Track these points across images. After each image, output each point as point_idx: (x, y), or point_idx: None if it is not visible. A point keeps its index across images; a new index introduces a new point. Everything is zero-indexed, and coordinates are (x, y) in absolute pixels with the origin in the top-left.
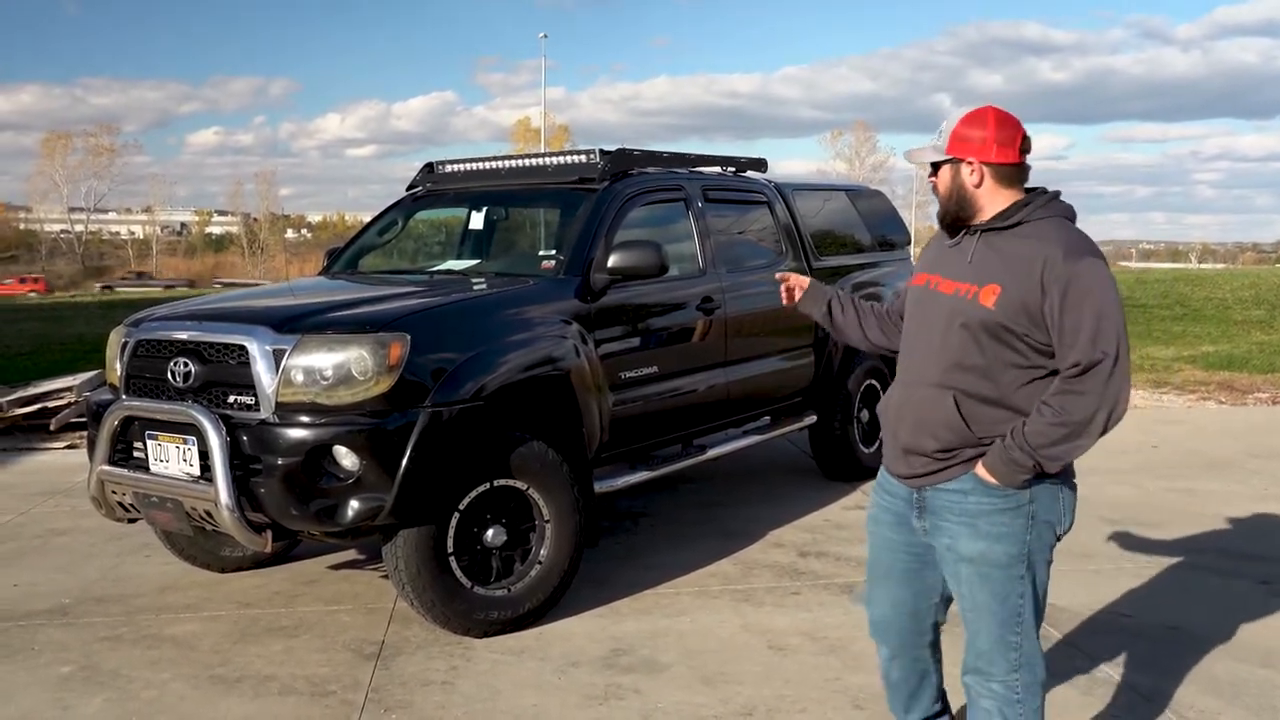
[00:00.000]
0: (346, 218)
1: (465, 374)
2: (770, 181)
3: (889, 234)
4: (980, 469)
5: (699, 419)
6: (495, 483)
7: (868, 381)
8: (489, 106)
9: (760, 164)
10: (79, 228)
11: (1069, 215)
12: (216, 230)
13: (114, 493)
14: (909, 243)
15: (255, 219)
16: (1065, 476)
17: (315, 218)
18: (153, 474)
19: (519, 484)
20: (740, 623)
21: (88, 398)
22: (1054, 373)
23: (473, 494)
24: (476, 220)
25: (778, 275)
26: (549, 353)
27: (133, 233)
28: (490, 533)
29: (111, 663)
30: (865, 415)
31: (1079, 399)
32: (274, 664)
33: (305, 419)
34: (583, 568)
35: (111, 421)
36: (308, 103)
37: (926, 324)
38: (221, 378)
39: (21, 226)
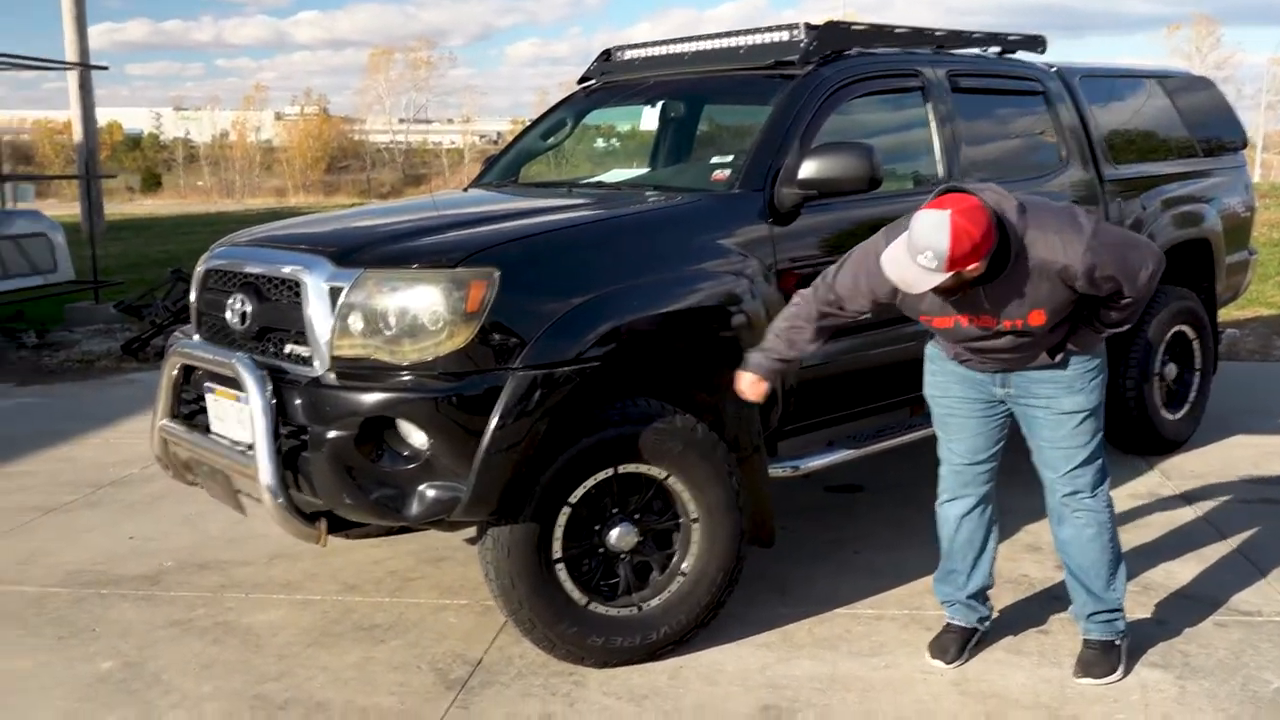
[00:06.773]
0: None
1: (576, 324)
2: (1051, 66)
3: (1218, 134)
4: (1072, 346)
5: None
6: (620, 468)
7: (1176, 327)
8: (799, 10)
9: (1037, 42)
10: (400, 138)
11: (1020, 208)
12: None
13: (176, 453)
14: (1244, 145)
15: None
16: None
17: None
18: (211, 436)
19: (654, 471)
20: (954, 675)
21: (174, 333)
22: None
23: (589, 483)
24: (650, 119)
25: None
26: (707, 295)
27: (453, 142)
28: (615, 533)
29: (161, 660)
30: (1171, 370)
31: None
32: (337, 684)
33: (363, 380)
34: (761, 566)
35: (169, 369)
36: (621, 11)
37: (980, 334)
38: (278, 321)
39: (357, 138)
